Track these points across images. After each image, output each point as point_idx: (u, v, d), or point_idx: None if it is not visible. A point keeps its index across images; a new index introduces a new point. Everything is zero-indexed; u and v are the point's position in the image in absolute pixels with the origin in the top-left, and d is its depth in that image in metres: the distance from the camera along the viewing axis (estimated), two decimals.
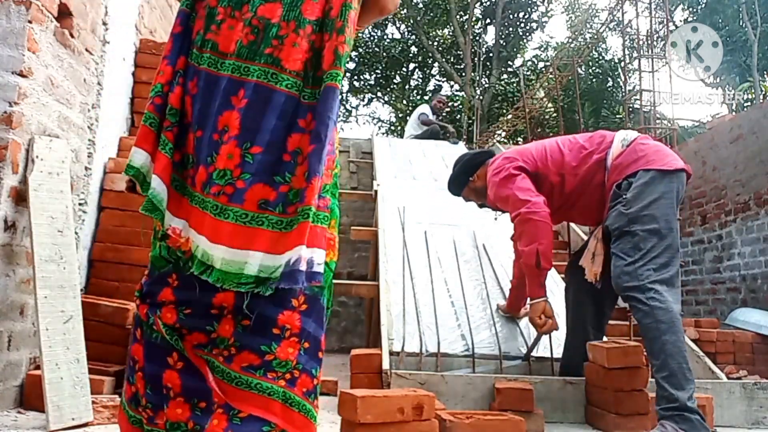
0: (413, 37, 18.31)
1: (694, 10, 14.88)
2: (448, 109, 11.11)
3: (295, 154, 1.14)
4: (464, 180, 2.93)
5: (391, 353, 2.58)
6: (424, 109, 8.40)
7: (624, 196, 2.35)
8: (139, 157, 1.21)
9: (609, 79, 14.36)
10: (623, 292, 2.27)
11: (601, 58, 15.04)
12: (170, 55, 1.23)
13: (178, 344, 1.16)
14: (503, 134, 11.64)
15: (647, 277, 2.19)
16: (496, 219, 3.12)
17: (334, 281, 1.29)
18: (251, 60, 1.16)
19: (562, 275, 3.61)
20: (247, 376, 1.12)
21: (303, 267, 1.09)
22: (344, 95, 19.29)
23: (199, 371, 1.15)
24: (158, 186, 1.17)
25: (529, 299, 2.69)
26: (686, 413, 2.00)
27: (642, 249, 2.24)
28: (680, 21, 14.57)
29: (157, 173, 1.17)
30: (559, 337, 2.88)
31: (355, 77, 18.92)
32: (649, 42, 6.17)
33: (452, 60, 17.80)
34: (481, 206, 3.03)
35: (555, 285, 3.42)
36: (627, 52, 7.30)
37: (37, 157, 2.16)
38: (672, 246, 2.26)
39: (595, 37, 11.52)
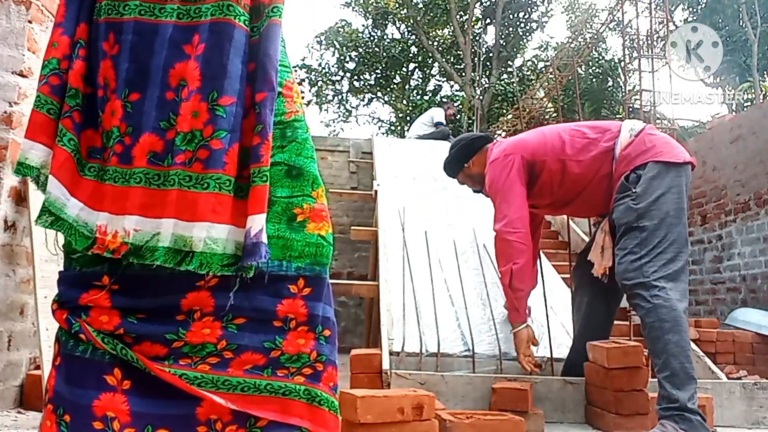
0: (413, 37, 18.31)
1: (694, 10, 14.87)
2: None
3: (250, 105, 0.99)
4: (460, 165, 2.84)
5: (391, 353, 2.57)
6: (440, 116, 8.20)
7: (633, 190, 2.32)
8: (37, 153, 0.98)
9: (609, 79, 14.35)
10: (628, 289, 2.26)
11: (601, 58, 15.03)
12: (65, 21, 1.00)
13: (127, 355, 0.93)
14: (503, 134, 11.64)
15: (652, 274, 2.18)
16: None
17: (334, 281, 1.24)
18: None
19: (562, 276, 3.62)
20: (253, 379, 0.97)
21: (264, 239, 0.93)
22: (344, 95, 19.31)
23: (159, 389, 0.93)
24: (55, 190, 0.95)
25: (511, 327, 2.61)
26: (686, 413, 1.99)
27: (648, 245, 2.22)
28: (680, 21, 14.57)
29: (54, 173, 0.95)
30: (558, 336, 2.88)
31: (355, 77, 18.92)
32: (649, 42, 6.18)
33: (452, 60, 17.80)
34: (476, 192, 2.94)
35: (554, 283, 3.43)
36: (627, 52, 7.30)
37: None
38: (677, 240, 2.24)
39: (595, 37, 11.52)
